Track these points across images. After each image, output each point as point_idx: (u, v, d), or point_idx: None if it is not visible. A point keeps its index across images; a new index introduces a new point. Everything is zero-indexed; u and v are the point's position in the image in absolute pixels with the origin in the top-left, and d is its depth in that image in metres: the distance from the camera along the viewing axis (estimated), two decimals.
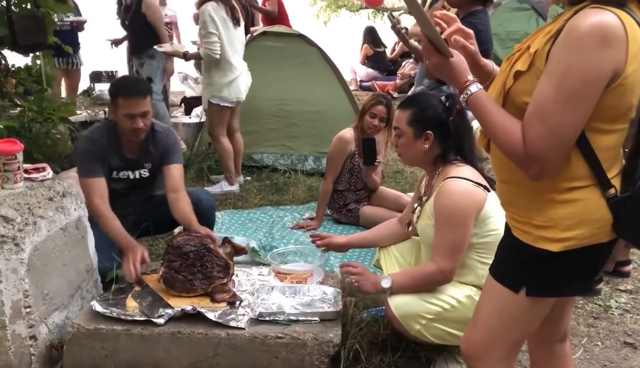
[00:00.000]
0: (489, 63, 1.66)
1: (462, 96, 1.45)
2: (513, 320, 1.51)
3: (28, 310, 2.11)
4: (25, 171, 2.31)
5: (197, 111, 6.03)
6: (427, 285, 2.19)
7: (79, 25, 6.31)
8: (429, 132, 2.28)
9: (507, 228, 1.53)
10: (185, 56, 4.70)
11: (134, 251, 2.51)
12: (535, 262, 1.42)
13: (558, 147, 1.30)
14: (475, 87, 1.43)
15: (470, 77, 1.46)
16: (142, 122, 2.82)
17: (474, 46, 1.59)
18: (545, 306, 1.50)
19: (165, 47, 4.59)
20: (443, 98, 2.31)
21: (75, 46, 6.24)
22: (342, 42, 10.51)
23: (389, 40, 11.23)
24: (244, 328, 2.13)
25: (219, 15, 4.38)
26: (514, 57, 1.43)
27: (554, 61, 1.28)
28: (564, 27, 1.28)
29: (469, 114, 1.92)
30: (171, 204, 2.83)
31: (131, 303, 2.24)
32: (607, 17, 1.24)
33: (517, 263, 1.48)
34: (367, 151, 3.77)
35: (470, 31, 1.60)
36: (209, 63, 4.49)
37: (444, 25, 1.56)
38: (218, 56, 4.39)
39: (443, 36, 1.50)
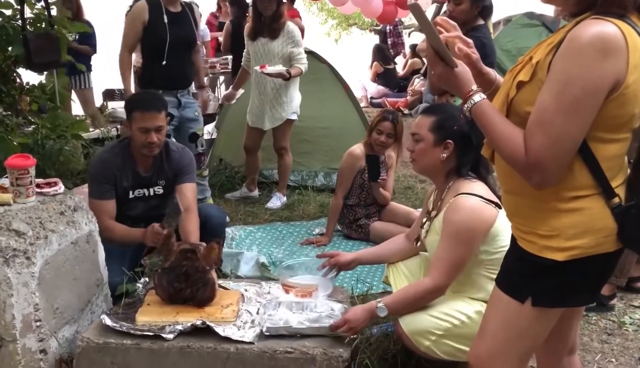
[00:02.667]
0: (492, 71, 1.68)
1: (465, 105, 1.47)
2: (520, 332, 1.50)
3: (38, 323, 2.12)
4: (38, 185, 2.33)
5: (209, 127, 6.08)
6: (421, 302, 2.18)
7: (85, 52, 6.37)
8: (450, 141, 2.27)
9: (513, 239, 1.53)
10: (290, 75, 4.48)
11: (147, 230, 2.73)
12: (540, 272, 1.42)
13: (559, 156, 1.31)
14: (478, 97, 1.45)
15: (474, 87, 1.48)
16: (156, 137, 2.85)
17: (476, 55, 1.61)
18: (552, 317, 1.49)
19: (269, 69, 4.42)
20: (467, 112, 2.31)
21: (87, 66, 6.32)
22: (353, 60, 10.59)
23: (399, 57, 11.31)
24: (252, 343, 2.13)
25: None
26: (516, 68, 1.44)
27: (555, 71, 1.30)
28: (565, 38, 1.29)
29: None
30: (181, 223, 2.84)
31: (141, 318, 2.24)
32: (607, 27, 1.25)
33: (522, 274, 1.48)
34: (371, 167, 3.82)
35: (470, 40, 1.62)
36: (289, 82, 4.54)
37: (444, 31, 1.58)
38: None
39: (442, 38, 1.52)
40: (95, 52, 6.49)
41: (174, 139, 4.25)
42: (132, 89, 4.31)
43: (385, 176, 4.02)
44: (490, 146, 1.51)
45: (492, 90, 1.60)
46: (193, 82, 4.42)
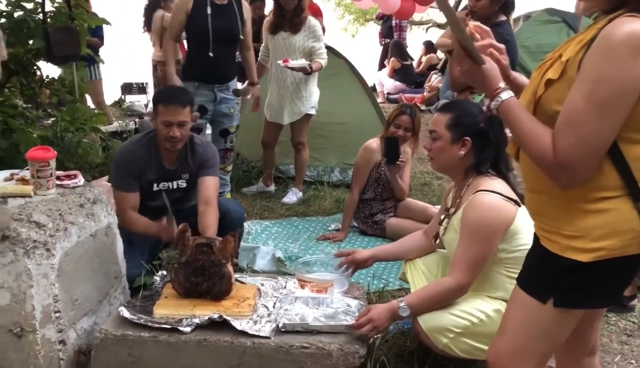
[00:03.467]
0: (519, 76, 1.66)
1: (493, 103, 1.44)
2: (540, 332, 1.48)
3: (57, 314, 2.13)
4: (58, 178, 2.35)
5: None
6: (444, 301, 2.16)
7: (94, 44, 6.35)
8: (467, 138, 2.25)
9: (536, 238, 1.50)
10: (312, 69, 4.49)
11: (160, 222, 2.90)
12: (563, 272, 1.40)
13: (589, 157, 1.29)
14: (506, 95, 1.42)
15: (502, 84, 1.45)
16: (179, 132, 2.87)
17: (505, 61, 1.59)
18: (573, 318, 1.47)
19: (292, 63, 4.40)
20: (485, 107, 2.29)
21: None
22: (370, 55, 10.56)
23: (416, 53, 11.25)
24: (269, 337, 2.13)
25: None
26: (545, 66, 1.41)
27: (587, 70, 1.27)
28: (597, 36, 1.26)
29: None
30: (199, 215, 2.87)
31: (158, 311, 2.25)
32: None
33: (545, 273, 1.45)
34: (390, 149, 3.77)
35: (502, 46, 1.60)
36: (308, 76, 4.54)
37: (477, 36, 1.57)
38: None
39: (476, 46, 1.50)
40: (103, 44, 6.49)
41: (209, 131, 4.30)
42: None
43: (405, 159, 3.97)
44: (516, 143, 1.49)
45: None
46: (235, 78, 4.38)
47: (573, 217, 1.37)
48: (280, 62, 4.44)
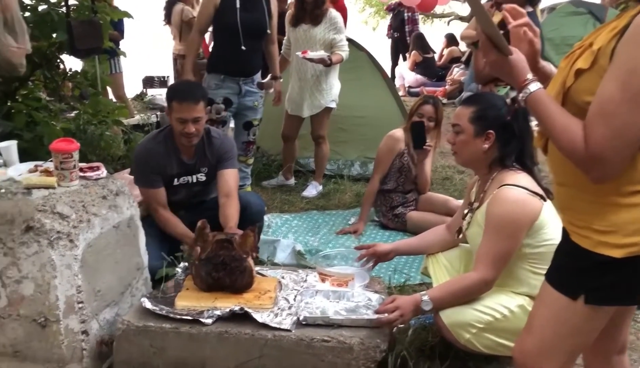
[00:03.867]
0: (547, 65, 1.61)
1: (520, 94, 1.41)
2: (570, 329, 1.45)
3: (80, 305, 2.15)
4: (81, 169, 2.36)
5: None
6: (468, 296, 2.14)
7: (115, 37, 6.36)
8: (491, 132, 2.21)
9: (565, 233, 1.46)
10: (332, 61, 4.45)
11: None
12: (595, 269, 1.36)
13: (622, 149, 1.25)
14: (535, 86, 1.39)
15: (530, 75, 1.41)
16: (194, 128, 2.88)
17: (538, 45, 1.55)
18: (604, 316, 1.43)
19: (311, 54, 4.36)
20: (509, 100, 2.25)
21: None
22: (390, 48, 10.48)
23: (438, 46, 11.14)
24: (290, 330, 2.12)
25: None
26: (574, 55, 1.37)
27: (620, 59, 1.23)
28: (630, 24, 1.22)
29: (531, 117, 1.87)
30: (220, 207, 2.89)
31: (180, 302, 2.26)
32: None
33: (575, 270, 1.42)
34: (416, 134, 3.74)
35: (537, 29, 1.56)
36: (329, 69, 4.52)
37: (511, 19, 1.52)
38: None
39: (510, 27, 1.49)
40: (123, 38, 6.52)
41: (232, 124, 4.32)
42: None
43: (432, 144, 3.92)
44: (544, 136, 1.46)
45: (545, 85, 1.53)
46: (260, 72, 4.37)
47: (605, 212, 1.33)
48: (299, 53, 4.43)
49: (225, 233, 2.47)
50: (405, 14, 10.53)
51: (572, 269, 1.43)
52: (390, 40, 11.03)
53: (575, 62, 1.34)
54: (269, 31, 4.22)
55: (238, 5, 3.99)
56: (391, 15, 10.99)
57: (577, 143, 1.28)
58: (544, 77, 1.56)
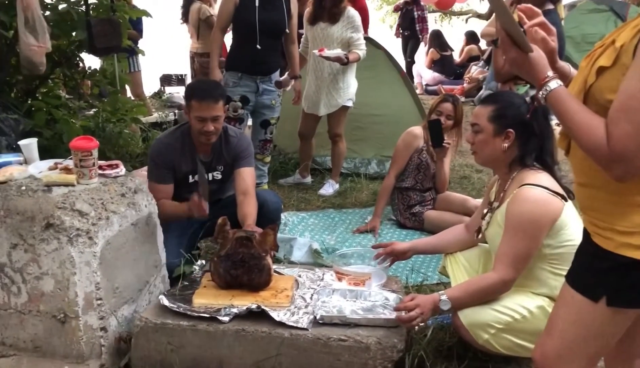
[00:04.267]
0: (566, 65, 1.59)
1: (540, 92, 1.39)
2: (591, 332, 1.42)
3: (99, 302, 2.17)
4: (100, 167, 2.38)
5: None
6: (487, 296, 2.11)
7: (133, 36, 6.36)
8: (510, 130, 2.19)
9: (586, 234, 1.44)
10: (348, 60, 4.44)
11: (191, 198, 2.76)
12: (617, 270, 1.34)
13: None
14: (555, 84, 1.37)
15: (550, 73, 1.39)
16: (213, 126, 2.89)
17: (554, 43, 1.53)
18: (627, 318, 1.41)
19: (327, 52, 4.35)
20: (528, 99, 2.22)
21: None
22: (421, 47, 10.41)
23: (456, 44, 11.05)
24: (307, 329, 2.12)
25: None
26: (595, 54, 1.35)
27: None
28: None
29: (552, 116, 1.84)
30: (239, 205, 2.89)
31: (198, 300, 2.27)
32: None
33: (597, 271, 1.39)
34: (434, 132, 3.73)
35: (553, 28, 1.54)
36: (346, 67, 4.52)
37: (525, 19, 1.51)
38: None
39: (525, 27, 1.47)
40: (141, 37, 6.54)
41: (250, 122, 4.34)
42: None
43: (450, 142, 3.90)
44: (566, 137, 1.43)
45: (565, 84, 1.51)
46: (278, 71, 4.38)
47: (628, 212, 1.31)
48: (315, 51, 4.42)
49: (245, 231, 2.47)
50: (415, 13, 10.37)
51: (594, 270, 1.40)
52: (400, 39, 10.84)
53: (596, 61, 1.32)
54: (287, 31, 4.22)
55: (257, 4, 4.00)
56: (399, 14, 10.81)
57: (599, 140, 1.25)
58: (562, 77, 1.53)
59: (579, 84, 1.37)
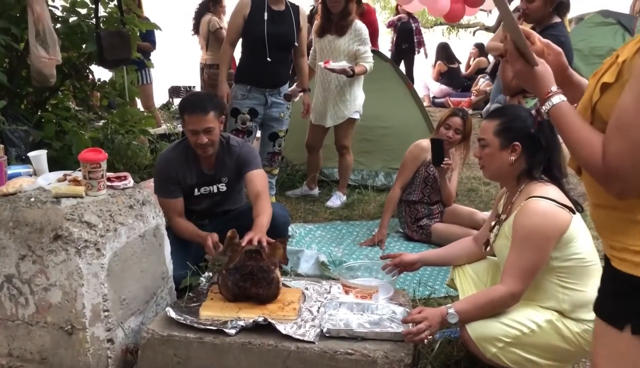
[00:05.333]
0: (583, 80, 1.57)
1: (543, 107, 1.39)
2: (621, 362, 1.31)
3: (106, 313, 2.18)
4: (108, 179, 2.39)
5: None
6: (494, 309, 2.09)
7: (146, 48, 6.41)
8: (517, 143, 2.18)
9: (606, 260, 1.38)
10: (354, 72, 4.44)
11: (210, 236, 2.82)
12: (637, 294, 1.27)
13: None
14: (558, 99, 1.37)
15: (554, 88, 1.40)
16: (207, 138, 2.89)
17: (558, 58, 1.54)
18: None
19: (332, 64, 4.36)
20: (534, 112, 2.22)
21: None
22: (416, 59, 10.35)
23: (463, 56, 11.05)
24: (313, 342, 2.11)
25: None
26: (601, 70, 1.33)
27: (637, 70, 1.19)
28: None
29: None
30: (253, 207, 2.89)
31: (204, 312, 2.27)
32: None
33: (617, 297, 1.32)
34: (435, 151, 3.75)
35: (559, 49, 1.55)
36: (353, 80, 4.53)
37: (535, 34, 1.52)
38: None
39: (533, 40, 1.49)
40: (154, 48, 6.58)
41: (259, 134, 4.37)
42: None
43: (450, 162, 3.91)
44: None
45: (579, 95, 1.48)
46: (287, 83, 4.40)
47: None
48: (321, 63, 4.44)
49: (254, 246, 2.44)
50: (413, 25, 10.20)
51: (615, 296, 1.34)
52: (394, 53, 10.49)
53: (601, 77, 1.30)
54: (296, 44, 4.24)
55: (266, 18, 4.02)
56: (393, 29, 10.52)
57: (594, 156, 1.24)
58: (573, 86, 1.53)
59: (585, 101, 1.36)
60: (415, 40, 10.08)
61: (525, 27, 3.39)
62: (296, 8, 4.22)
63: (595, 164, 1.24)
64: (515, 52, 1.43)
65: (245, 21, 4.07)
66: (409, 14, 9.89)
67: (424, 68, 10.83)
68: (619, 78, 1.25)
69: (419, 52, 10.08)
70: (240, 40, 4.28)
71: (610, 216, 1.34)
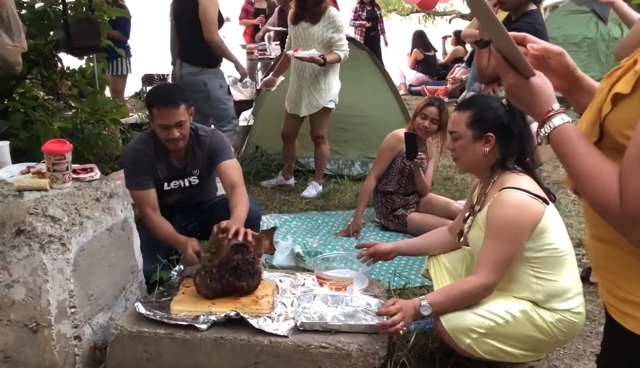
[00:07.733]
0: (587, 77, 1.30)
1: (542, 129, 1.13)
2: None
3: (73, 310, 2.11)
4: (74, 171, 2.32)
5: (246, 114, 6.06)
6: (468, 301, 2.08)
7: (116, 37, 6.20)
8: (490, 134, 2.16)
9: (606, 311, 1.16)
10: (325, 61, 4.33)
11: (190, 243, 2.69)
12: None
13: None
14: (560, 119, 1.10)
15: (556, 106, 1.12)
16: (178, 132, 2.79)
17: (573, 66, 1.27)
18: None
19: (301, 53, 4.27)
20: (504, 101, 2.20)
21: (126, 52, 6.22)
22: (392, 46, 10.30)
23: (439, 44, 11.06)
24: (287, 336, 2.08)
25: None
26: (616, 74, 1.07)
27: None
28: None
29: (529, 117, 1.80)
30: (228, 198, 2.81)
31: (175, 307, 2.22)
32: None
33: (622, 360, 1.11)
34: (408, 145, 3.73)
35: (559, 49, 1.28)
36: (328, 68, 4.46)
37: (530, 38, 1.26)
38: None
39: (528, 47, 1.23)
40: (128, 38, 6.38)
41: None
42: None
43: (424, 156, 3.89)
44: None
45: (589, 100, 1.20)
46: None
47: None
48: (290, 52, 4.39)
49: (240, 242, 2.35)
50: (377, 12, 10.00)
51: (616, 360, 1.13)
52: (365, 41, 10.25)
53: (614, 85, 1.04)
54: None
55: None
56: (353, 15, 10.25)
57: (610, 196, 0.98)
58: (584, 92, 1.27)
59: (593, 112, 1.08)
60: (379, 27, 9.96)
61: (501, 15, 3.37)
62: None
63: (610, 204, 0.99)
64: (504, 63, 1.16)
65: None
66: (373, 2, 9.76)
67: (401, 56, 10.80)
68: (635, 89, 0.99)
69: (382, 40, 9.92)
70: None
71: (611, 253, 1.10)
